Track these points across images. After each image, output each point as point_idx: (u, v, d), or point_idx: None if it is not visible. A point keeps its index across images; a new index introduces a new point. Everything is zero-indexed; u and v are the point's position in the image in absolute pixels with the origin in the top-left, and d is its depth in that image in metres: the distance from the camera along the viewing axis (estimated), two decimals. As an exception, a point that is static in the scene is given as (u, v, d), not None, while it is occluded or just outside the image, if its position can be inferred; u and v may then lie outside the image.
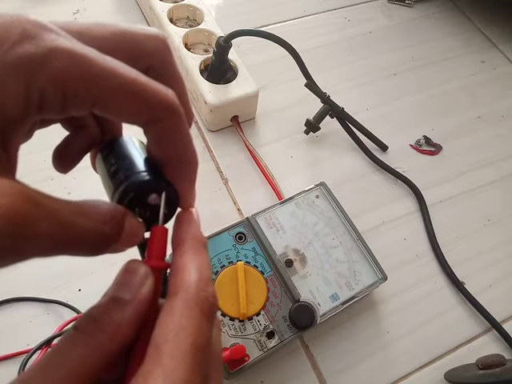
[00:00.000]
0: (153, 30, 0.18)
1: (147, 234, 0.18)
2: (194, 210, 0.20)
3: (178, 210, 0.19)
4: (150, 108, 0.16)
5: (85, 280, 0.37)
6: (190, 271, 0.17)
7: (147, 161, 0.18)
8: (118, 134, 0.21)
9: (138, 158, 0.18)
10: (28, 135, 0.16)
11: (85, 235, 0.15)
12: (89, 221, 0.15)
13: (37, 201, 0.13)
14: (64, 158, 0.20)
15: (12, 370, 0.32)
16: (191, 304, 0.16)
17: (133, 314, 0.16)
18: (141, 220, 0.18)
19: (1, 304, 0.35)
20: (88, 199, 0.16)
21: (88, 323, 0.15)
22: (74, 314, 0.35)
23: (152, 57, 0.18)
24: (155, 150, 0.18)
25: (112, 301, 0.16)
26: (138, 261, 0.17)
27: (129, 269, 0.17)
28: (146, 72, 0.17)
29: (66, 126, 0.20)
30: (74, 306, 0.35)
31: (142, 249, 0.19)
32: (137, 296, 0.16)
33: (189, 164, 0.18)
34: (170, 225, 0.19)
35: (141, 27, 0.18)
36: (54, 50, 0.14)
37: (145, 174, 0.17)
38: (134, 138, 0.20)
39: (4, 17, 0.14)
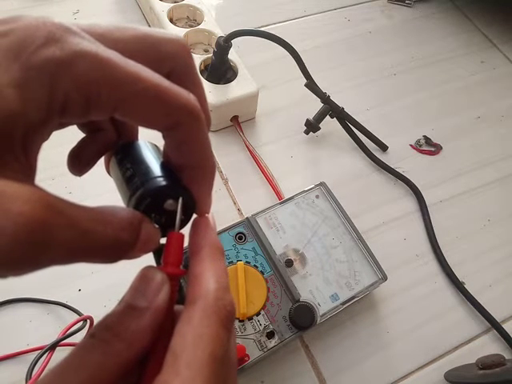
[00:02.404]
0: (174, 34, 0.18)
1: (163, 240, 0.18)
2: (210, 215, 0.19)
3: (194, 215, 0.19)
4: (172, 113, 0.16)
5: (85, 280, 0.37)
6: (208, 279, 0.17)
7: (163, 166, 0.18)
8: (134, 137, 0.21)
9: (154, 163, 0.18)
10: (46, 137, 0.16)
11: (103, 243, 0.14)
12: (107, 228, 0.14)
13: (57, 208, 0.13)
14: (79, 161, 0.20)
15: (13, 369, 0.32)
16: (210, 313, 0.16)
17: (149, 322, 0.16)
18: (157, 226, 0.18)
19: (1, 304, 0.35)
20: (105, 205, 0.15)
21: (105, 331, 0.15)
22: (74, 315, 0.35)
23: (173, 61, 0.17)
24: (173, 154, 0.18)
25: (128, 308, 0.16)
26: (153, 267, 0.17)
27: (145, 275, 0.17)
28: (167, 76, 0.17)
29: (82, 128, 0.20)
30: (74, 306, 0.35)
31: (158, 255, 0.18)
32: (153, 304, 0.16)
33: (206, 170, 0.18)
34: (185, 230, 0.19)
35: (162, 31, 0.17)
36: (78, 53, 0.14)
37: (161, 179, 0.17)
38: (148, 142, 0.20)
39: (29, 19, 0.14)
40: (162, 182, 0.17)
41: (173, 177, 0.18)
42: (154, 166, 0.18)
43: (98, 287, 0.37)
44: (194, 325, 0.15)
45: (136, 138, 0.21)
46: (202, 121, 0.17)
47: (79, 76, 0.14)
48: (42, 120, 0.14)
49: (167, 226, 0.18)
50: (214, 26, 0.50)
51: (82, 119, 0.15)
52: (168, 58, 0.17)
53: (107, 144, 0.20)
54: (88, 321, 0.34)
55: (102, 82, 0.14)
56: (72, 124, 0.18)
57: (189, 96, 0.16)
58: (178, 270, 0.17)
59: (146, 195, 0.17)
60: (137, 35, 0.17)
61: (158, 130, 0.17)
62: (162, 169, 0.18)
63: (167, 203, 0.18)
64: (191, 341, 0.15)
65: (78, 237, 0.13)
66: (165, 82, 0.16)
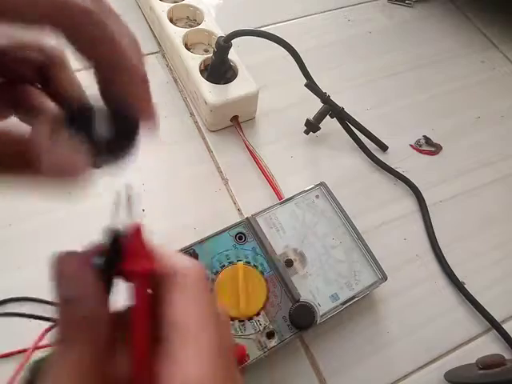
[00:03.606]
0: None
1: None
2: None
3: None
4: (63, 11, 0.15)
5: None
6: (182, 258, 0.18)
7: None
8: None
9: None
10: None
11: None
12: None
13: None
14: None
15: (11, 368, 0.32)
16: (201, 278, 0.17)
17: (86, 313, 0.16)
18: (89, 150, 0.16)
19: (1, 303, 0.35)
20: None
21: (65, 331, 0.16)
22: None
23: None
24: (86, 55, 0.16)
25: (65, 303, 0.16)
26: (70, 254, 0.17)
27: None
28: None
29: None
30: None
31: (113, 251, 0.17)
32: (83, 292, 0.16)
33: (125, 65, 0.17)
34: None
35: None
36: None
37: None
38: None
39: None
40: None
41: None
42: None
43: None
44: (189, 292, 0.16)
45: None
46: (102, 19, 0.16)
47: None
48: None
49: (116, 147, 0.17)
50: (214, 26, 0.50)
51: None
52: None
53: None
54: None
55: None
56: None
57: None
58: (150, 265, 0.17)
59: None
60: None
61: (53, 30, 0.15)
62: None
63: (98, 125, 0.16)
64: (194, 310, 0.16)
65: None
66: None
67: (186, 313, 0.16)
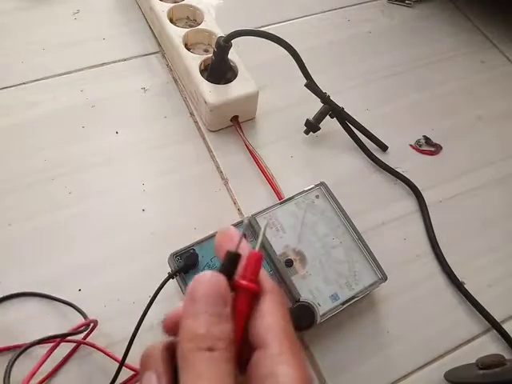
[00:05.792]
0: None
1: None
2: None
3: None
4: None
5: (85, 280, 0.37)
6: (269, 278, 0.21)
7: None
8: None
9: None
10: None
11: None
12: None
13: None
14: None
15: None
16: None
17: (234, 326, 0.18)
18: None
19: (5, 299, 0.35)
20: None
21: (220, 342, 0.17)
22: (77, 314, 0.35)
23: None
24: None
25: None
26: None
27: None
28: None
29: None
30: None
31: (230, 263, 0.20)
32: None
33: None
34: None
35: None
36: None
37: None
38: None
39: None
40: None
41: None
42: None
43: (98, 287, 0.37)
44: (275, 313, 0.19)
45: None
46: None
47: None
48: None
49: None
50: (214, 26, 0.50)
51: None
52: None
53: None
54: (92, 324, 0.34)
55: None
56: None
57: None
58: (255, 286, 0.19)
59: None
60: None
61: None
62: None
63: None
64: (283, 318, 0.19)
65: None
66: None
67: (281, 322, 0.19)
